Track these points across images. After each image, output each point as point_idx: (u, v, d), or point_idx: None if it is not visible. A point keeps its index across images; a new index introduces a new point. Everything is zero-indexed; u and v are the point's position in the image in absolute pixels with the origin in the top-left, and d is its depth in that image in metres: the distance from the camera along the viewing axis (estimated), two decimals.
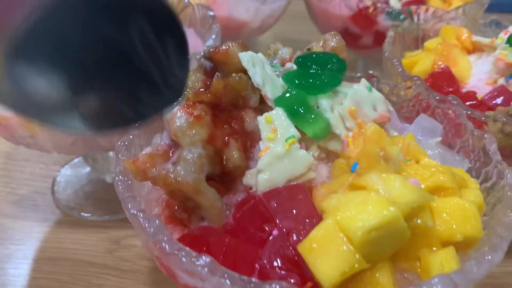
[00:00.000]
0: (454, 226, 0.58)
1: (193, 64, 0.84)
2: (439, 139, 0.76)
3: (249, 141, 0.66)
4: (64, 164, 1.24)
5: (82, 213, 1.10)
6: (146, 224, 0.53)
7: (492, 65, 0.98)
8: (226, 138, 0.63)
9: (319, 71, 0.68)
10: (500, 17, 1.32)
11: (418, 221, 0.56)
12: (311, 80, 0.66)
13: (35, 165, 1.25)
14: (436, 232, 0.58)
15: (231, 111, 0.67)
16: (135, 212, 0.55)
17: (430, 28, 1.19)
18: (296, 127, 0.64)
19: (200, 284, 0.50)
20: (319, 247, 0.50)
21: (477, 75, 1.00)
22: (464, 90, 0.98)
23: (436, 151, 0.75)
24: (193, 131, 0.60)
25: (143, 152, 0.61)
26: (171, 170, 0.56)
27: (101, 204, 1.12)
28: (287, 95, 0.66)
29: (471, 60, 1.05)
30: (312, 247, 0.50)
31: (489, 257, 0.53)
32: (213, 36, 0.94)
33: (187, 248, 0.50)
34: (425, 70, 1.00)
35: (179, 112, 0.63)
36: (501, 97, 0.90)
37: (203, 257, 0.49)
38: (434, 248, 0.57)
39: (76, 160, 1.24)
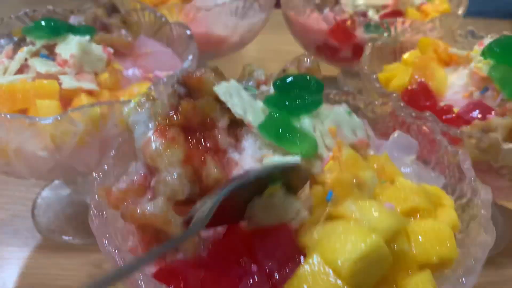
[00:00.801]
0: (430, 249, 0.58)
1: (167, 88, 0.84)
2: (414, 157, 0.76)
3: (225, 158, 0.66)
4: (45, 186, 1.22)
5: (63, 237, 1.08)
6: (121, 262, 0.53)
7: (468, 78, 0.99)
8: (202, 156, 0.63)
9: (300, 93, 0.69)
10: (477, 26, 1.34)
11: (395, 245, 0.56)
12: (295, 102, 0.67)
13: (15, 187, 1.23)
14: (412, 255, 0.58)
15: (202, 132, 0.67)
16: (110, 249, 0.54)
17: (408, 40, 1.20)
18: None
19: None
20: (307, 284, 0.51)
21: (454, 88, 1.01)
22: (441, 104, 0.99)
23: (411, 169, 0.76)
24: (169, 152, 0.60)
25: (119, 185, 0.60)
26: (139, 206, 0.56)
27: (82, 227, 1.11)
28: (271, 120, 0.66)
29: (448, 73, 1.06)
30: (301, 285, 0.51)
31: (464, 280, 0.53)
32: (190, 57, 0.94)
33: (163, 286, 0.50)
34: (402, 85, 1.01)
35: (152, 137, 0.63)
36: (477, 111, 0.91)
37: None
38: (410, 272, 0.57)
39: (56, 182, 1.22)
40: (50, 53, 0.91)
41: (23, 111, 0.81)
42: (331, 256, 0.52)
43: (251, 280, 0.55)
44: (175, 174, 0.58)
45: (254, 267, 0.56)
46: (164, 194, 0.58)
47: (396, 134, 0.82)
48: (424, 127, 0.80)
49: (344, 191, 0.58)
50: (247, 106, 0.68)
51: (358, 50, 1.31)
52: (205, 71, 0.70)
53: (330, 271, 0.52)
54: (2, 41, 1.00)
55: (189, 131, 0.65)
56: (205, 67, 0.71)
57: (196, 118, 0.65)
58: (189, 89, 0.72)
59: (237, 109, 0.66)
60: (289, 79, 0.71)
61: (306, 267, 0.53)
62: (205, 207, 0.54)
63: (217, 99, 0.68)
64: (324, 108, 0.72)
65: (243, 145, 0.68)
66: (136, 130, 0.64)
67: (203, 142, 0.65)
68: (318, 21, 1.29)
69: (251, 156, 0.66)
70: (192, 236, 0.56)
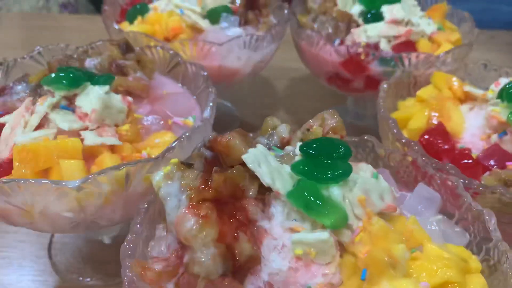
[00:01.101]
0: None
1: (190, 142, 0.84)
2: (440, 217, 0.77)
3: (255, 228, 0.66)
4: None
5: (82, 278, 1.09)
6: None
7: (485, 120, 0.99)
8: (234, 232, 0.63)
9: (328, 161, 0.68)
10: (480, 39, 1.33)
11: None
12: (325, 173, 0.66)
13: None
14: None
15: (233, 202, 0.67)
16: None
17: (421, 74, 1.20)
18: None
19: None
20: None
21: (471, 129, 1.01)
22: (458, 146, 0.99)
23: (437, 228, 0.76)
24: (204, 233, 0.60)
25: (154, 265, 0.61)
26: None
27: (100, 267, 1.11)
28: (299, 188, 0.66)
29: (463, 111, 1.07)
30: None
31: None
32: (210, 104, 0.94)
33: None
34: (420, 127, 1.01)
35: (186, 215, 0.62)
36: (496, 157, 0.92)
37: None
38: None
39: None
40: (69, 103, 0.91)
41: (46, 170, 0.81)
42: None
43: None
44: (209, 255, 0.58)
45: None
46: (199, 274, 0.58)
47: (418, 186, 0.83)
48: (448, 182, 0.81)
49: (378, 270, 0.59)
50: (275, 173, 0.68)
51: (370, 81, 1.31)
52: (232, 136, 0.70)
53: None
54: (19, 87, 0.99)
55: (220, 202, 0.65)
56: (231, 132, 0.71)
57: (227, 190, 0.65)
58: (216, 152, 0.72)
59: (266, 178, 0.66)
60: (315, 145, 0.71)
61: None
62: None
63: (244, 165, 0.68)
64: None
65: (272, 211, 0.68)
66: (168, 204, 0.64)
67: (233, 212, 0.65)
68: (330, 53, 1.28)
69: (280, 225, 0.67)
70: None
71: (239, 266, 0.63)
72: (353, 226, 0.65)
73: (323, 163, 0.68)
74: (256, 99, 1.85)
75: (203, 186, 0.64)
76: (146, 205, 0.71)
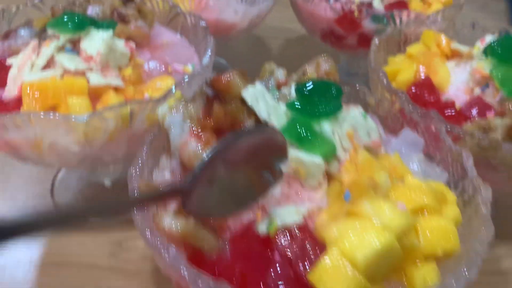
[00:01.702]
0: (435, 243, 0.66)
1: (191, 85, 0.88)
2: (421, 156, 0.83)
3: None
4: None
5: None
6: (167, 255, 0.59)
7: (469, 75, 1.05)
8: None
9: (321, 99, 0.74)
10: (472, 6, 1.37)
11: (405, 240, 0.64)
12: (316, 108, 0.72)
13: (33, 168, 1.28)
14: (420, 248, 0.66)
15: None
16: (154, 242, 0.61)
17: (412, 32, 1.25)
18: None
19: None
20: (327, 274, 0.58)
21: (456, 84, 1.07)
22: (443, 98, 1.05)
23: (418, 165, 0.83)
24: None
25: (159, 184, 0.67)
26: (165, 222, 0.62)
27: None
28: (293, 124, 0.71)
29: (450, 67, 1.12)
30: (321, 275, 0.58)
31: (466, 273, 0.61)
32: (209, 52, 0.98)
33: (205, 277, 0.57)
34: (408, 80, 1.07)
35: (190, 140, 0.69)
36: (477, 108, 0.98)
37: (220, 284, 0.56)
38: (418, 263, 0.66)
39: None
40: (74, 47, 0.94)
41: (54, 107, 0.85)
42: (350, 251, 0.60)
43: (277, 269, 0.62)
44: None
45: (277, 256, 0.63)
46: None
47: (404, 131, 0.89)
48: (432, 127, 0.87)
49: (360, 192, 0.65)
50: (271, 109, 0.74)
51: (363, 38, 1.35)
52: (233, 76, 0.75)
53: (348, 264, 0.60)
54: (22, 32, 1.02)
55: (219, 132, 0.71)
56: (232, 71, 0.76)
57: (226, 121, 0.70)
58: (217, 91, 0.77)
59: (263, 114, 0.72)
60: (309, 86, 0.76)
61: (327, 259, 0.60)
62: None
63: (243, 101, 0.74)
64: (342, 109, 0.77)
65: None
66: (172, 132, 0.70)
67: None
68: (325, 10, 1.32)
69: None
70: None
71: None
72: (341, 158, 0.71)
73: (315, 102, 0.74)
74: (250, 58, 1.88)
75: (205, 117, 0.70)
76: (151, 136, 0.76)
